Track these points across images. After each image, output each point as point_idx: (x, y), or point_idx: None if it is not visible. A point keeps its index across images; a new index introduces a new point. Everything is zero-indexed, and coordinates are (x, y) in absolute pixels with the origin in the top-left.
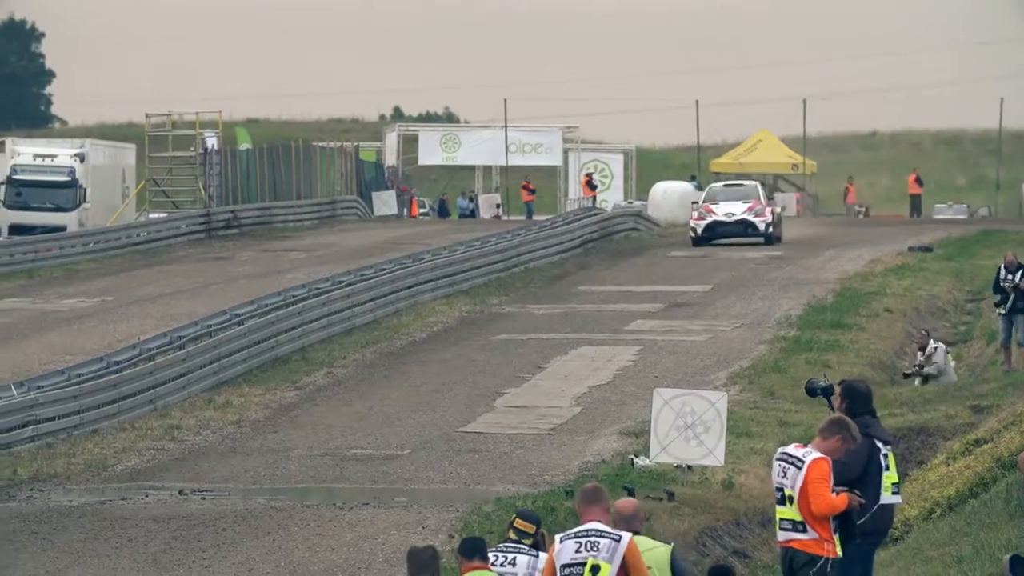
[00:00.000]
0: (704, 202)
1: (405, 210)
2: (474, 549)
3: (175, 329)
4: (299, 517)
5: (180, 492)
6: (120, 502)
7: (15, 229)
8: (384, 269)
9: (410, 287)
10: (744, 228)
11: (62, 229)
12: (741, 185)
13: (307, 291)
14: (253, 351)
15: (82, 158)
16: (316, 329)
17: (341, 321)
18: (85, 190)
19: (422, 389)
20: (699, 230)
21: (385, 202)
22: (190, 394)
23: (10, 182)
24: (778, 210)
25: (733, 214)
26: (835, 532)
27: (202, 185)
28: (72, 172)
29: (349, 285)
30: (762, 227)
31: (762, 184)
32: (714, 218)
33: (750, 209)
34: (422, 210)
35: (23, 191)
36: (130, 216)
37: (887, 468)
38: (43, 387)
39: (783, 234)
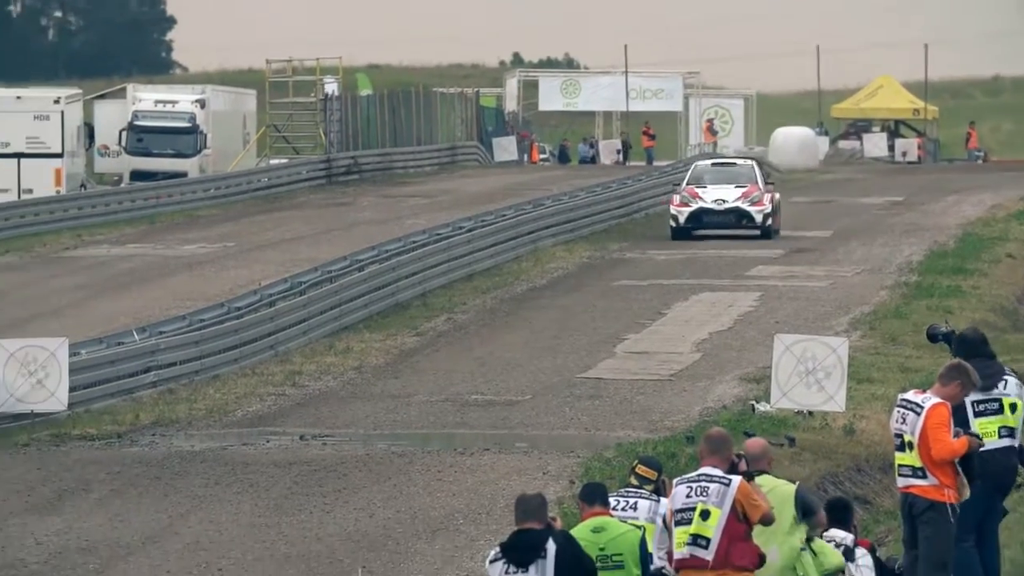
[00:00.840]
0: (688, 184)
1: (525, 156)
2: (595, 494)
3: (296, 275)
4: (420, 463)
5: (301, 438)
6: (241, 447)
7: (136, 175)
8: (505, 215)
9: (531, 233)
10: (737, 218)
11: (183, 175)
12: (734, 165)
13: (428, 237)
14: (374, 297)
15: (203, 104)
16: (437, 275)
17: (461, 267)
18: (206, 136)
19: (542, 335)
20: (681, 219)
21: (505, 148)
22: (311, 340)
23: (131, 128)
24: (777, 196)
25: (724, 201)
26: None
27: (322, 131)
28: (193, 118)
29: (470, 231)
30: (759, 218)
31: (758, 164)
32: (700, 205)
33: (745, 196)
34: (542, 156)
35: (144, 137)
36: (250, 162)
37: (990, 413)
38: (165, 333)
39: (781, 225)
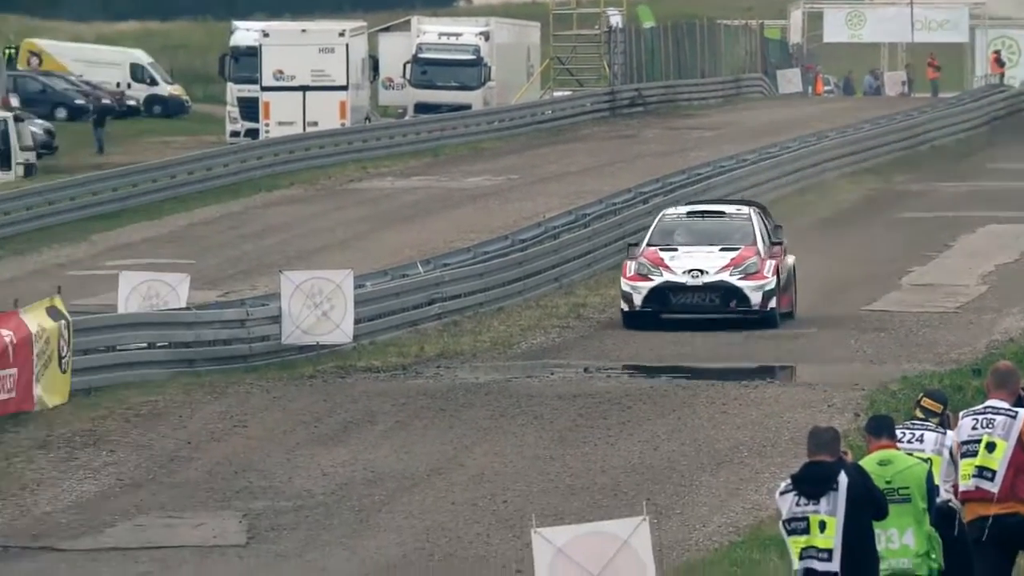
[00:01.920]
0: (649, 244)
1: (810, 88)
2: (881, 427)
3: (580, 207)
4: (704, 395)
5: (585, 370)
6: (525, 380)
7: (421, 107)
8: (789, 147)
9: (815, 165)
10: (722, 298)
11: (467, 107)
12: (721, 215)
13: (712, 169)
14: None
15: (487, 36)
16: None
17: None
18: (490, 68)
19: (827, 268)
20: (635, 298)
21: (790, 80)
22: (595, 272)
23: (416, 61)
24: (789, 262)
25: (701, 272)
26: None
27: (606, 63)
28: (477, 51)
29: (753, 163)
30: (755, 297)
31: (761, 211)
32: (666, 278)
33: (735, 264)
34: (827, 88)
35: (429, 70)
36: (534, 95)
37: None
38: (449, 265)
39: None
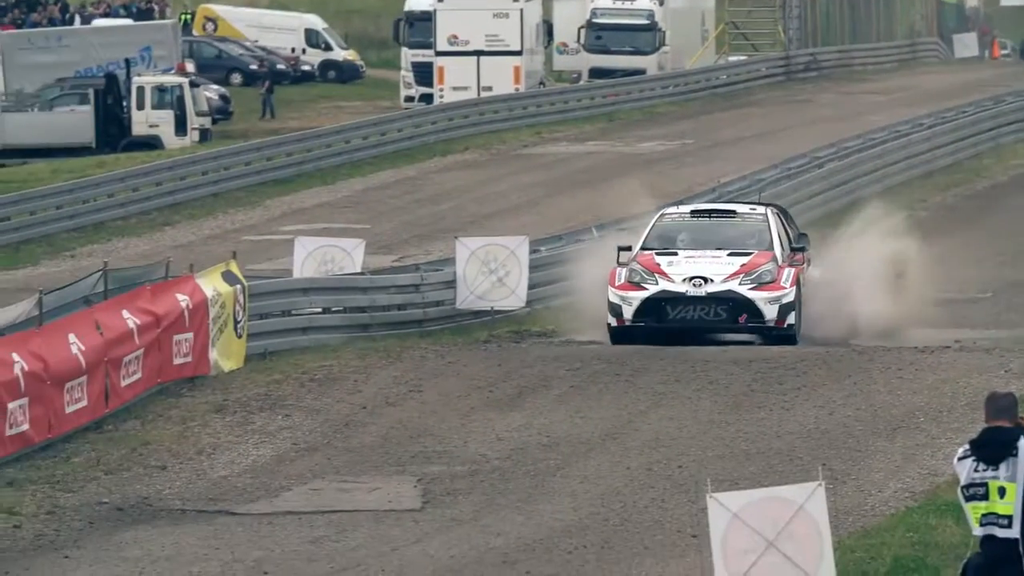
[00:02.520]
0: (644, 247)
1: (986, 52)
2: None
3: (754, 172)
4: (880, 360)
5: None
6: (701, 346)
7: (595, 72)
8: (965, 111)
9: (991, 129)
10: (729, 312)
11: (641, 72)
12: (732, 215)
13: (887, 134)
14: (830, 195)
15: (661, 1)
16: (896, 172)
17: (921, 164)
18: (664, 33)
19: (1004, 232)
20: (626, 310)
21: (965, 44)
22: None
23: (590, 26)
24: (815, 274)
25: (705, 280)
26: None
27: (781, 28)
28: (651, 15)
29: (930, 128)
30: (769, 311)
31: (782, 213)
32: (662, 287)
33: (745, 271)
34: (1003, 52)
35: (603, 35)
36: (709, 59)
37: None
38: (625, 230)
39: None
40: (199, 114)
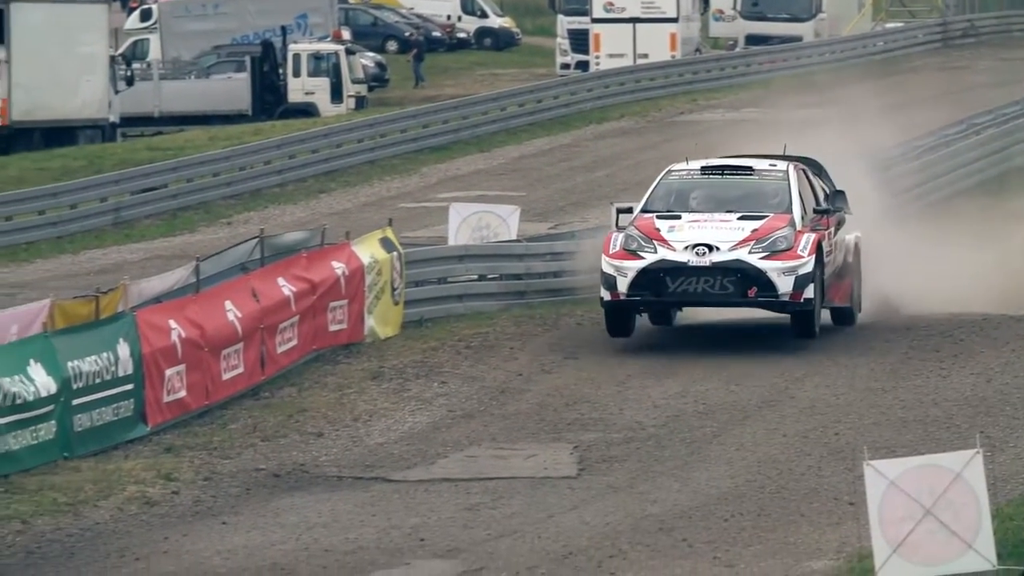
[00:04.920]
0: (644, 210)
1: None
2: None
3: (911, 139)
4: None
5: None
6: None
7: (751, 39)
8: None
9: None
10: (737, 285)
11: (798, 39)
12: (747, 172)
13: None
14: (989, 161)
15: None
16: None
17: None
18: (821, 0)
19: None
20: (619, 284)
21: None
22: (927, 205)
23: None
24: (850, 239)
25: (709, 248)
26: None
27: None
28: None
29: None
30: (783, 283)
31: (809, 168)
32: (661, 256)
33: (757, 237)
34: None
35: (759, 2)
36: (865, 26)
37: None
38: None
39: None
40: (355, 81)
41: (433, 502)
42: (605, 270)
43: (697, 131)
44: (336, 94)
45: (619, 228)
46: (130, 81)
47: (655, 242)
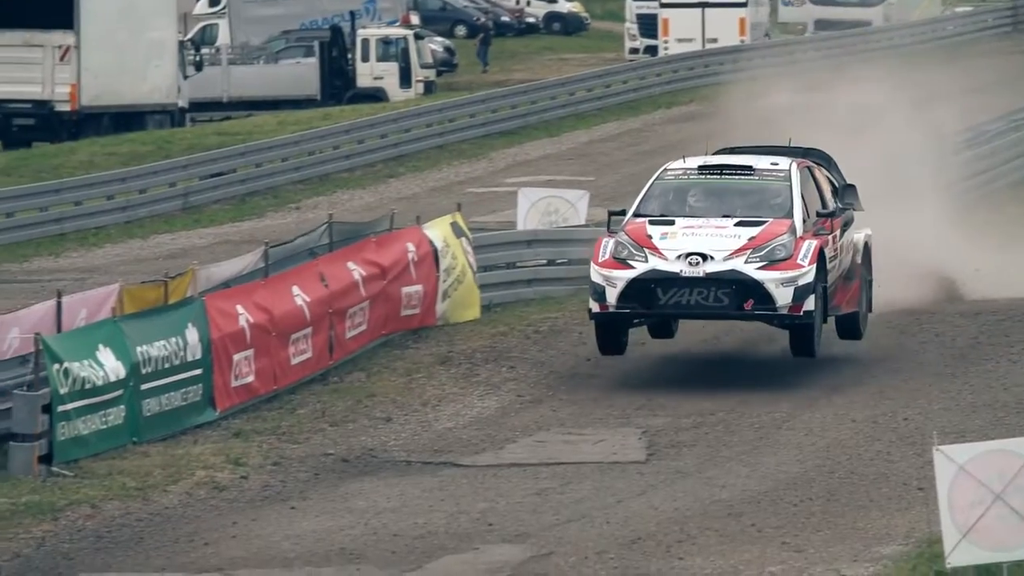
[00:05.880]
0: (637, 214)
1: None
2: None
3: (981, 123)
4: None
5: None
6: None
7: (821, 24)
8: None
9: None
10: (729, 296)
11: (867, 24)
12: (747, 172)
13: None
14: None
15: None
16: None
17: None
18: None
19: None
20: (608, 295)
21: None
22: (994, 190)
23: None
24: (858, 239)
25: (703, 257)
26: None
27: None
28: None
29: None
30: (783, 296)
31: (820, 164)
32: (652, 265)
33: (754, 246)
34: None
35: None
36: (935, 10)
37: None
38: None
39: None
40: (424, 66)
41: (502, 487)
42: (593, 279)
43: (767, 116)
44: (405, 79)
45: (611, 232)
46: (199, 66)
47: (646, 250)
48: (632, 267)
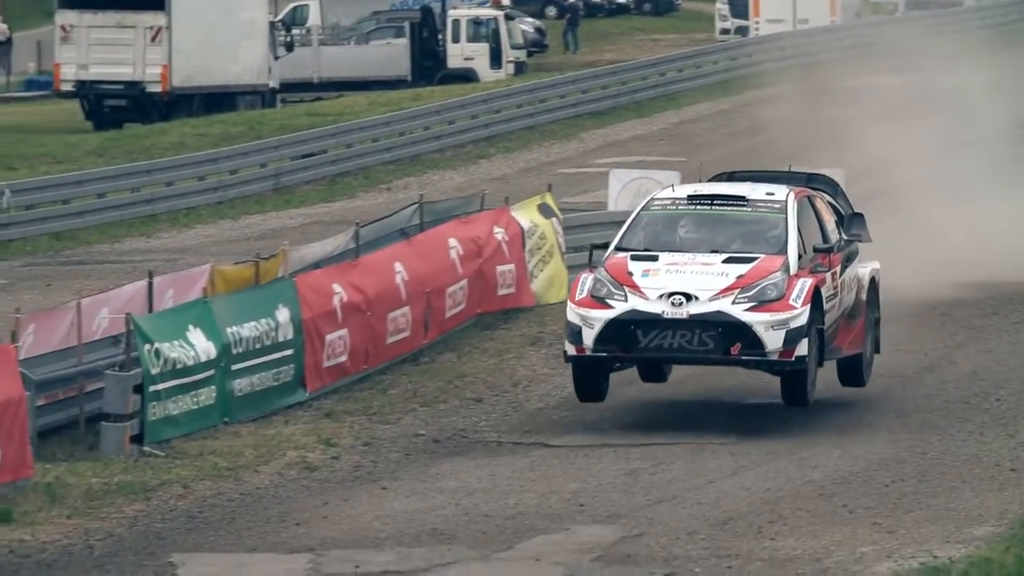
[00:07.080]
0: (619, 248)
1: None
2: None
3: None
4: None
5: None
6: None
7: (912, 3)
8: None
9: None
10: (715, 340)
11: (958, 3)
12: (739, 203)
13: None
14: None
15: None
16: None
17: None
18: None
19: None
20: (585, 336)
21: None
22: None
23: None
24: (864, 273)
25: (687, 298)
26: None
27: None
28: None
29: None
30: (773, 340)
31: (817, 192)
32: (632, 305)
33: (742, 285)
34: None
35: None
36: None
37: None
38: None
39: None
40: (514, 47)
41: (593, 467)
42: (570, 319)
43: (859, 96)
44: (495, 60)
45: (591, 268)
46: (290, 47)
47: (626, 288)
48: (611, 307)
